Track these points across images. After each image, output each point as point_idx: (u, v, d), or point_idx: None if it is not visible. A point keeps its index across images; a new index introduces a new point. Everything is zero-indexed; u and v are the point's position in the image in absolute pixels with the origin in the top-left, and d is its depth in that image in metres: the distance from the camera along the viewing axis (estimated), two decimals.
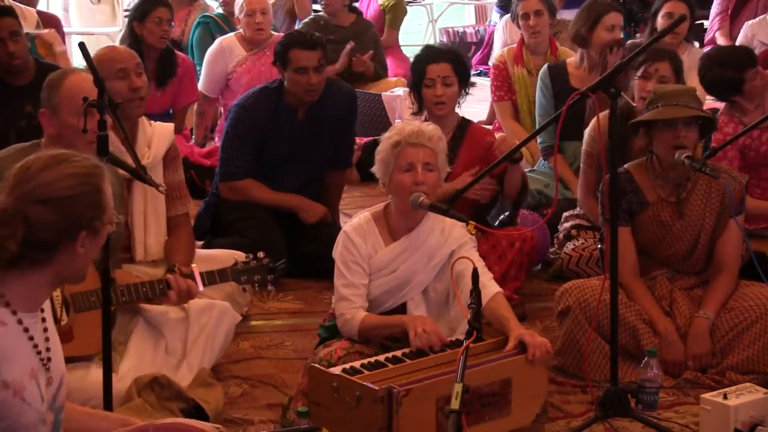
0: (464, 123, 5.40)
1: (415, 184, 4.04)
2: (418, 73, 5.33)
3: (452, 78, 5.26)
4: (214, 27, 8.44)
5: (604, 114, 5.35)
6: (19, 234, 2.61)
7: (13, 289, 2.67)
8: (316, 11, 10.36)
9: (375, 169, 4.19)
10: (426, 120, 5.32)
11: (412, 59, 5.68)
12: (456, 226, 4.14)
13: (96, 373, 3.96)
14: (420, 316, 4.08)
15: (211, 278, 4.29)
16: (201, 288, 4.26)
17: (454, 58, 5.35)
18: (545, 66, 6.64)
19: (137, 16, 7.08)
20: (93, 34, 9.53)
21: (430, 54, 5.40)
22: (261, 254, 4.34)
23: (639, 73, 5.27)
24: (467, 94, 5.43)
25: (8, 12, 6.02)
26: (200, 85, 7.67)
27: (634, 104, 5.26)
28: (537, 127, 6.20)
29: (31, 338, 2.72)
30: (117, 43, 8.61)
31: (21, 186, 2.65)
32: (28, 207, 2.63)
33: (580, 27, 6.47)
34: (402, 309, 4.16)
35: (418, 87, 5.33)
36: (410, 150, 4.07)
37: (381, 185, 4.20)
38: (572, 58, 6.68)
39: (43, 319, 2.78)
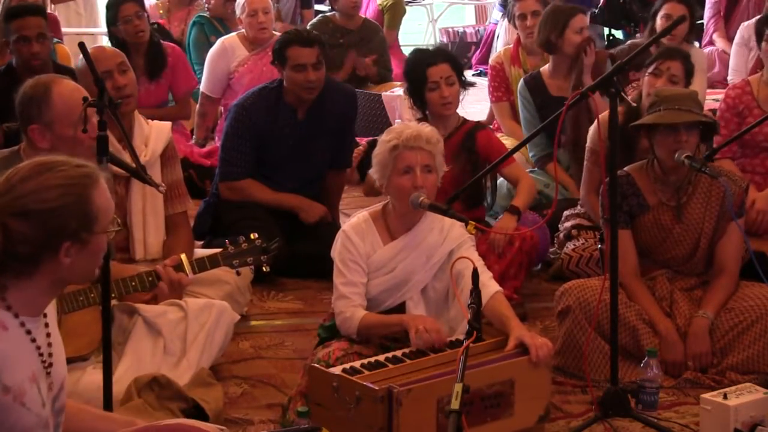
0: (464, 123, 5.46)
1: (414, 187, 4.05)
2: (418, 79, 5.33)
3: (453, 77, 5.31)
4: (208, 28, 8.44)
5: (604, 115, 5.35)
6: None
7: (14, 294, 2.66)
8: (319, 11, 10.36)
9: (372, 172, 4.18)
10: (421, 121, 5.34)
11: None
12: (455, 225, 4.14)
13: (91, 375, 3.96)
14: (420, 315, 4.08)
15: (201, 265, 4.24)
16: (191, 276, 4.23)
17: (449, 57, 5.44)
18: (521, 80, 6.67)
19: (109, 22, 7.23)
20: (85, 35, 9.52)
21: (425, 58, 5.40)
22: (254, 235, 4.26)
23: (650, 70, 5.27)
24: (466, 89, 5.46)
25: (40, 11, 5.98)
26: (202, 86, 7.67)
27: (633, 103, 5.25)
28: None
29: (33, 340, 2.71)
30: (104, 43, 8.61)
31: (2, 197, 2.60)
32: (6, 219, 2.58)
33: (548, 34, 6.46)
34: (401, 308, 4.15)
35: (420, 92, 5.34)
36: (408, 153, 4.06)
37: (378, 186, 4.20)
38: (545, 67, 6.67)
39: (46, 324, 2.77)
